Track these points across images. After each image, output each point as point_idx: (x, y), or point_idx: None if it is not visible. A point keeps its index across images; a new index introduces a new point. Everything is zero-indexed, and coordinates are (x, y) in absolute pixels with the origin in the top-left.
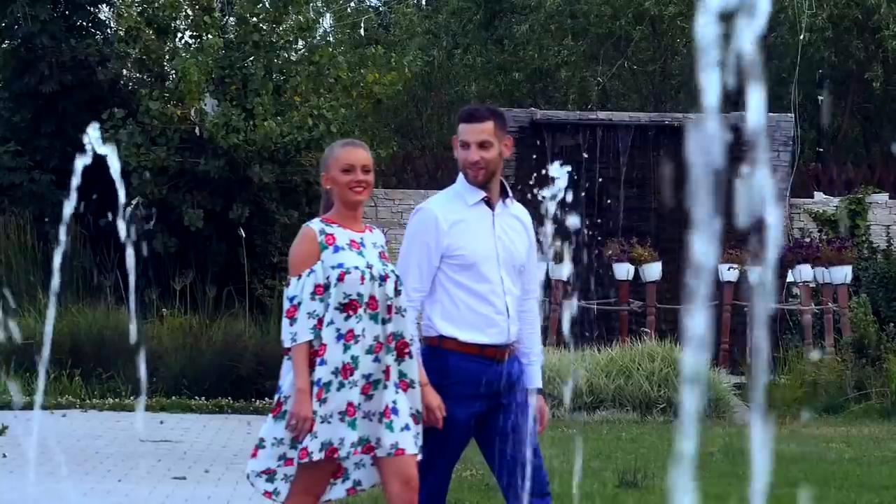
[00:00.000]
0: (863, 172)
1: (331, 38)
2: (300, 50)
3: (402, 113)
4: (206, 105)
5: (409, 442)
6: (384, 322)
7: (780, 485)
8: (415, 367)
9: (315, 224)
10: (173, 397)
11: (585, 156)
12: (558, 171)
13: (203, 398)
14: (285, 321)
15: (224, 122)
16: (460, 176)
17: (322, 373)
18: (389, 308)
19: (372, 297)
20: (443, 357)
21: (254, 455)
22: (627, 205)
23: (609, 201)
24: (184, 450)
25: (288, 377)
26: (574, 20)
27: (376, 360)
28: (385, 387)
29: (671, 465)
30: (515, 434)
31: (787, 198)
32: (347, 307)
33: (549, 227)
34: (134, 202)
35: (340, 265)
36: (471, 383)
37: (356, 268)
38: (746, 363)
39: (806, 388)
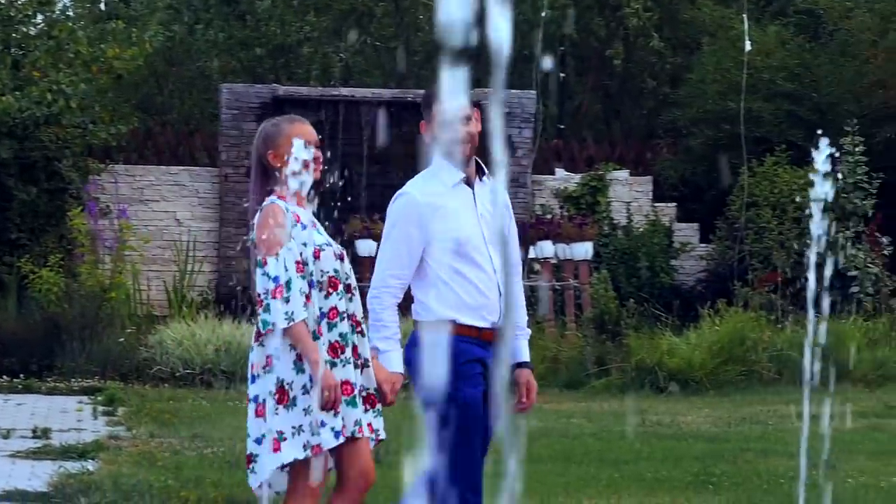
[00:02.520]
0: (604, 149)
1: (70, 13)
2: (39, 24)
3: (142, 88)
4: None
5: (376, 421)
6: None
7: (524, 461)
8: (367, 346)
9: (279, 202)
10: None
11: (328, 132)
12: (300, 150)
13: None
14: (274, 302)
15: None
16: (435, 158)
17: None
18: (348, 287)
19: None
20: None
21: (276, 449)
22: (370, 181)
23: (352, 177)
24: None
25: (278, 362)
26: None
27: (362, 334)
28: (356, 366)
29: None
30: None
31: (529, 174)
32: (327, 285)
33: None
34: None
35: (311, 243)
36: (476, 363)
37: (327, 244)
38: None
39: (547, 363)
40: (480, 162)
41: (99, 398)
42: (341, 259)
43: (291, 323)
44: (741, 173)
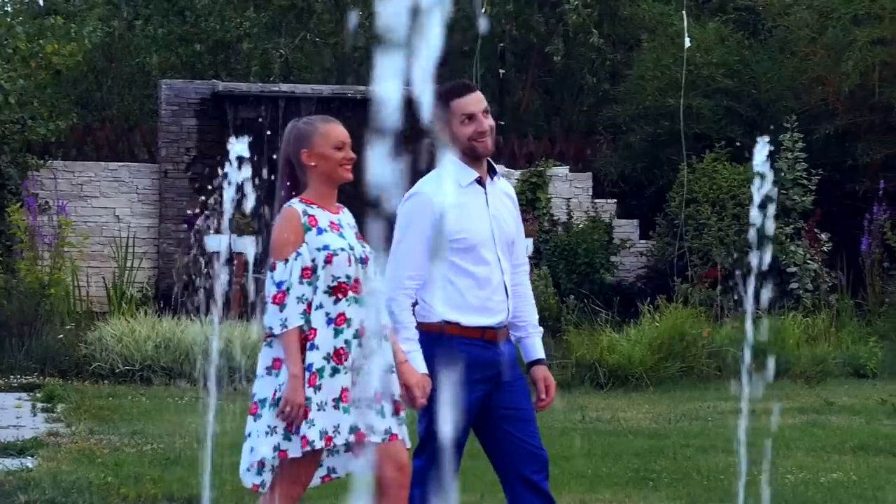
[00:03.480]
0: (544, 146)
1: (8, 8)
2: None
3: (82, 84)
4: None
5: (398, 428)
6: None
7: (463, 456)
8: (390, 353)
9: (297, 205)
10: None
11: (268, 128)
12: (241, 148)
13: None
14: (272, 307)
15: None
16: (448, 156)
17: (314, 358)
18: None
19: (356, 280)
20: (446, 343)
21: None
22: None
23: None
24: None
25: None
26: None
27: (359, 344)
28: (342, 371)
29: None
30: (517, 412)
31: None
32: (336, 290)
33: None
34: None
35: (326, 247)
36: (476, 367)
37: (342, 249)
38: None
39: None
40: (492, 161)
41: (38, 395)
42: (364, 262)
43: (285, 330)
44: (681, 170)
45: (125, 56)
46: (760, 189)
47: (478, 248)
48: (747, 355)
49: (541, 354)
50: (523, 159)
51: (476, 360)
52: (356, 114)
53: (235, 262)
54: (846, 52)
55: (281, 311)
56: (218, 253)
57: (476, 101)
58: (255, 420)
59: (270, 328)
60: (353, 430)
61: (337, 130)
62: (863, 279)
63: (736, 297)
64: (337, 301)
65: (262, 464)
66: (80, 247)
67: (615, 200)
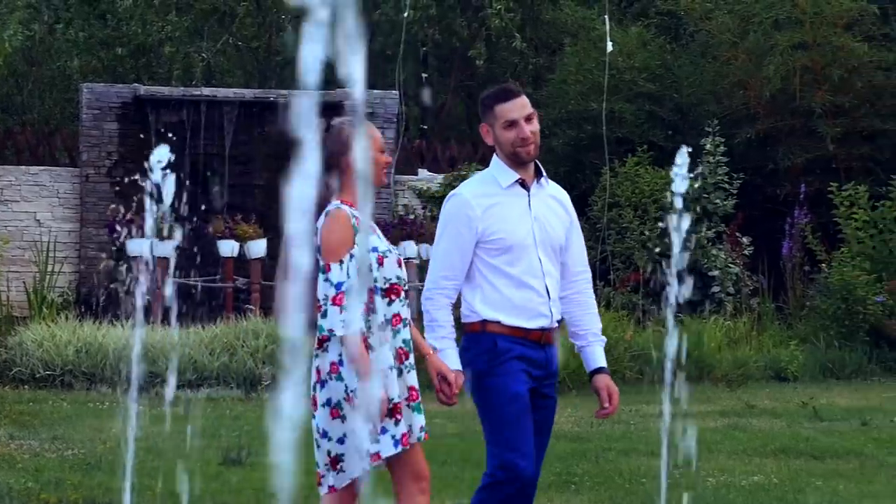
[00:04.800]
0: (466, 150)
1: None
2: None
3: (2, 88)
4: None
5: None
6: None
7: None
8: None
9: (343, 207)
10: None
11: (189, 132)
12: (161, 153)
13: None
14: (332, 309)
15: None
16: (494, 159)
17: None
18: (407, 292)
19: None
20: (488, 340)
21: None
22: (232, 181)
23: (214, 178)
24: None
25: (344, 370)
26: None
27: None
28: (406, 370)
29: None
30: (546, 427)
31: (391, 175)
32: (389, 292)
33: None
34: None
35: (375, 249)
36: (522, 360)
37: (390, 251)
38: None
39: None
40: (539, 164)
41: None
42: (399, 265)
43: (347, 332)
44: (603, 174)
45: (46, 59)
46: (680, 194)
47: (516, 249)
48: (669, 359)
49: (603, 363)
50: (446, 163)
51: (522, 354)
52: (277, 117)
53: (158, 266)
54: (767, 57)
55: (341, 312)
56: (140, 257)
57: (519, 108)
58: (342, 422)
59: (331, 330)
60: (423, 429)
61: (376, 134)
62: (784, 283)
63: (657, 301)
64: (391, 303)
65: (335, 463)
66: (1, 251)
67: None
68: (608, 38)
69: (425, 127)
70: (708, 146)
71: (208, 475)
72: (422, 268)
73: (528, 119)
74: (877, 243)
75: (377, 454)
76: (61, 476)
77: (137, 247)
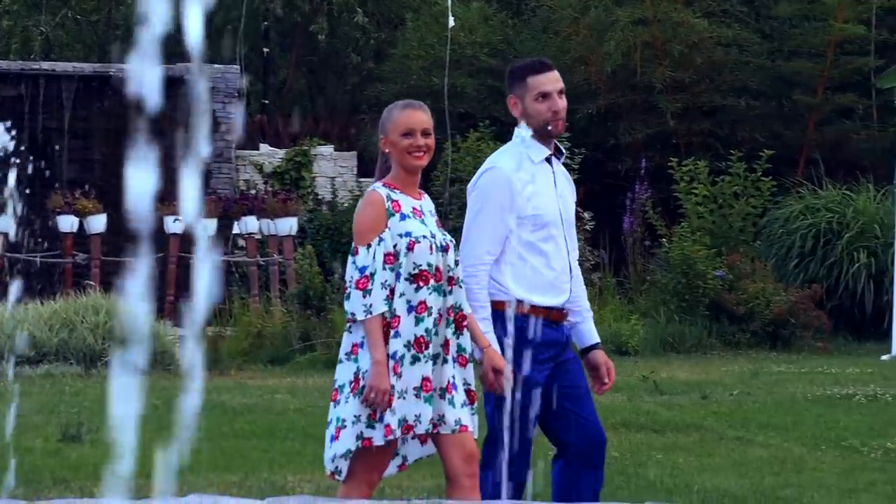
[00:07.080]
0: (308, 125)
1: None
2: None
3: None
4: None
5: (469, 418)
6: (445, 294)
7: (228, 437)
8: (469, 341)
9: (381, 189)
10: None
11: (28, 106)
12: None
13: None
14: (356, 292)
15: None
16: (518, 133)
17: (396, 346)
18: (451, 279)
19: (437, 268)
20: (517, 321)
21: (335, 437)
22: (72, 156)
23: (53, 152)
24: None
25: (362, 351)
26: None
27: (436, 333)
28: (445, 361)
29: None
30: (576, 389)
31: (233, 150)
32: (418, 278)
33: None
34: None
35: (408, 234)
36: (544, 347)
37: (424, 237)
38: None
39: (252, 339)
40: (558, 143)
41: None
42: (445, 251)
43: (369, 315)
44: (445, 149)
45: None
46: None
47: (550, 226)
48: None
49: (597, 339)
50: (287, 138)
51: (545, 340)
52: (117, 91)
53: None
54: (608, 33)
55: (365, 296)
56: None
57: (553, 81)
58: (335, 406)
59: (353, 314)
60: (434, 420)
61: (408, 118)
62: (625, 258)
63: None
64: (418, 289)
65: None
66: None
67: None
68: (450, 13)
69: (267, 102)
70: None
71: (47, 451)
72: (262, 242)
73: (560, 94)
74: (716, 218)
75: (368, 440)
76: (34, 461)
77: None
